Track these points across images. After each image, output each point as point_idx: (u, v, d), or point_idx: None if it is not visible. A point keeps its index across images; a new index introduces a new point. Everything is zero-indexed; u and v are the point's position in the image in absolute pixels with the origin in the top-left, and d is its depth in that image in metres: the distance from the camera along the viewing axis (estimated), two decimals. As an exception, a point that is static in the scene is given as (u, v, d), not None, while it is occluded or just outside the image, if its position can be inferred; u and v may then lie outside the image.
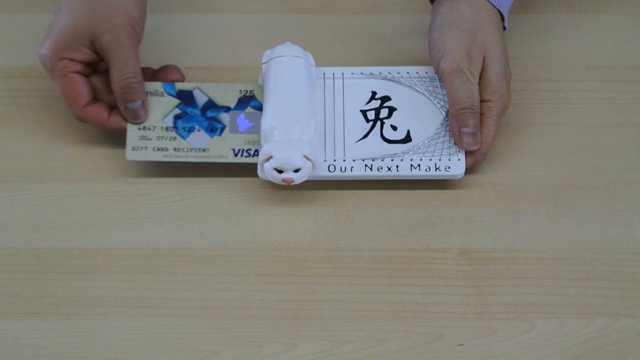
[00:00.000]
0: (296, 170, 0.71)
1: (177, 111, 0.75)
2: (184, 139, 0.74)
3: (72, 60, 0.73)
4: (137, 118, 0.74)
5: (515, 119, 0.79)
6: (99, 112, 0.75)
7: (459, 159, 0.74)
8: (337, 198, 0.75)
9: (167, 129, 0.75)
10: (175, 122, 0.75)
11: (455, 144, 0.74)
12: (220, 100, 0.75)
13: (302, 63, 0.74)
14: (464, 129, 0.73)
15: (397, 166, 0.74)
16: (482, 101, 0.74)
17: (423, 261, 0.71)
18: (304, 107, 0.73)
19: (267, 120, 0.72)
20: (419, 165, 0.74)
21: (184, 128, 0.75)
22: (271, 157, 0.71)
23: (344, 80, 0.76)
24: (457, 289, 0.70)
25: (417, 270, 0.71)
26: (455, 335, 0.68)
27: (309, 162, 0.71)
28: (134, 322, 0.68)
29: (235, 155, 0.74)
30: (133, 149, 0.74)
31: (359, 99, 0.76)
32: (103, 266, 0.71)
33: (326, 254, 0.72)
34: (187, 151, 0.74)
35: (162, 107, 0.75)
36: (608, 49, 0.84)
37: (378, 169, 0.74)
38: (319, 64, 0.77)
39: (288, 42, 0.76)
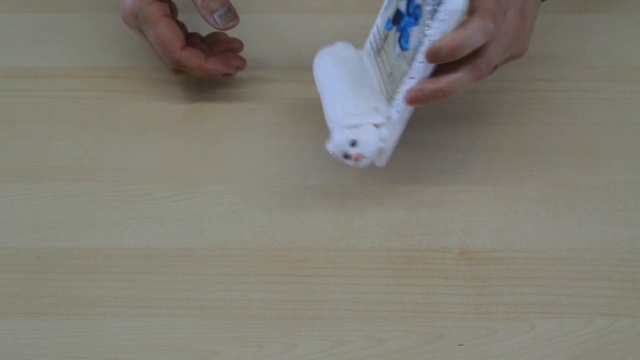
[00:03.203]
0: (354, 145, 0.70)
1: (398, 34, 0.72)
2: (408, 49, 0.70)
3: (160, 1, 0.75)
4: (228, 22, 0.75)
5: (516, 118, 0.79)
6: (197, 55, 0.76)
7: None
8: (337, 198, 0.75)
9: (398, 57, 0.71)
10: (400, 44, 0.71)
11: None
12: None
13: (332, 55, 0.75)
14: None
15: (421, 54, 0.68)
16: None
17: (423, 261, 0.71)
18: (342, 89, 0.72)
19: (327, 114, 0.72)
20: (433, 33, 0.68)
21: (405, 41, 0.71)
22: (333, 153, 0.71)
23: (379, 30, 0.75)
24: (457, 289, 0.70)
25: (417, 270, 0.71)
26: (455, 335, 0.68)
27: (361, 128, 0.70)
28: (134, 322, 0.68)
29: (431, 14, 0.68)
30: (393, 98, 0.71)
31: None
32: (103, 266, 0.71)
33: (326, 254, 0.72)
34: (412, 54, 0.70)
35: (391, 44, 0.73)
36: (608, 49, 0.84)
37: (417, 71, 0.69)
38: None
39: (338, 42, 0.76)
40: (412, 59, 0.70)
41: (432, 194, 0.75)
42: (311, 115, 0.79)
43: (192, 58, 0.76)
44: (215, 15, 0.75)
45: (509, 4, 0.69)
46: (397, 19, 0.73)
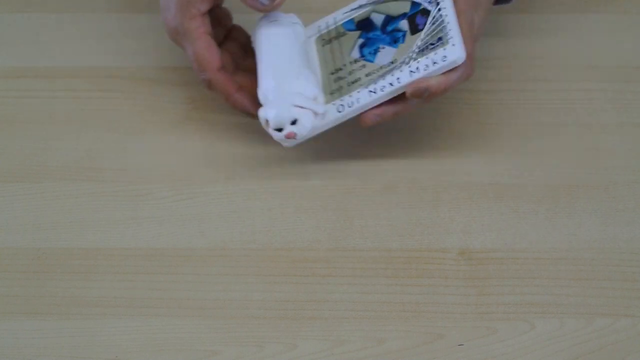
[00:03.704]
0: (293, 123, 0.71)
1: (361, 41, 0.75)
2: (373, 61, 0.74)
3: (202, 15, 0.73)
4: (272, 1, 0.74)
5: (516, 118, 0.79)
6: (229, 81, 0.75)
7: (453, 45, 0.71)
8: (337, 198, 0.75)
9: (355, 61, 0.74)
10: (361, 52, 0.75)
11: (447, 33, 0.72)
12: (395, 12, 0.75)
13: (283, 25, 0.75)
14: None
15: (397, 78, 0.72)
16: None
17: (423, 261, 0.71)
18: (289, 67, 0.73)
19: (261, 88, 0.73)
20: (417, 68, 0.72)
21: (369, 52, 0.74)
22: (267, 120, 0.71)
23: (337, 25, 0.77)
24: (457, 289, 0.70)
25: (417, 270, 0.71)
26: (455, 335, 0.68)
27: (305, 111, 0.71)
28: (134, 322, 0.68)
29: (421, 50, 0.72)
30: (331, 94, 0.74)
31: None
32: (103, 266, 0.71)
33: (326, 254, 0.72)
34: (377, 70, 0.73)
35: (346, 44, 0.75)
36: (608, 49, 0.84)
37: (382, 89, 0.73)
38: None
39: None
40: (380, 76, 0.73)
41: (432, 194, 0.75)
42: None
43: (225, 82, 0.75)
44: None
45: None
46: (365, 27, 0.76)
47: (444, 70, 0.71)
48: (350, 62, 0.75)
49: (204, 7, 0.74)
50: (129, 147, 0.78)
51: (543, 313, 0.69)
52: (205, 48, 0.74)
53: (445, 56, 0.71)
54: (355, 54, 0.75)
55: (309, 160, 0.77)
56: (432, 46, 0.72)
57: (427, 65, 0.72)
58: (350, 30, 0.76)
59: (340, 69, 0.75)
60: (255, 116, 0.74)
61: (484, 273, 0.71)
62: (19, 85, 0.82)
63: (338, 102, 0.74)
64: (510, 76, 0.82)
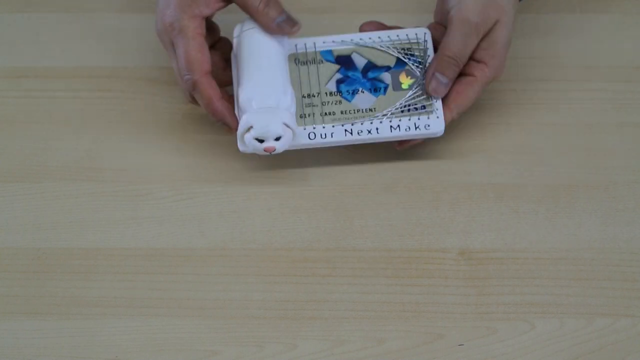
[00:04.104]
0: (277, 139, 0.71)
1: (339, 76, 0.75)
2: (350, 101, 0.74)
3: (202, 17, 0.73)
4: (291, 27, 0.74)
5: (516, 118, 0.79)
6: (214, 87, 0.73)
7: (437, 117, 0.74)
8: (337, 198, 0.75)
9: (331, 93, 0.75)
10: (338, 87, 0.75)
11: (432, 104, 0.74)
12: (379, 61, 0.75)
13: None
14: (439, 76, 0.73)
15: (376, 128, 0.74)
16: (477, 61, 0.74)
17: (423, 261, 0.71)
18: (278, 77, 0.73)
19: (244, 91, 0.72)
20: (398, 126, 0.74)
21: (347, 91, 0.75)
22: (251, 127, 0.71)
23: (317, 50, 0.76)
24: (457, 289, 0.70)
25: (417, 270, 0.71)
26: (455, 335, 0.68)
27: (289, 130, 0.71)
28: (134, 322, 0.68)
29: (403, 111, 0.74)
30: (301, 116, 0.74)
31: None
32: (103, 266, 0.71)
33: (326, 254, 0.72)
34: (355, 112, 0.74)
35: (323, 73, 0.75)
36: (608, 49, 0.84)
37: (358, 133, 0.74)
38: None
39: None
40: (358, 119, 0.74)
41: (432, 194, 0.75)
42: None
43: (209, 87, 0.73)
44: (276, 23, 0.73)
45: (508, 47, 0.76)
46: (344, 63, 0.76)
47: (422, 137, 0.74)
48: (326, 93, 0.75)
49: (207, 10, 0.73)
50: (129, 147, 0.78)
51: (543, 313, 0.69)
52: (198, 49, 0.72)
53: (428, 125, 0.74)
54: (332, 86, 0.75)
55: (309, 160, 0.77)
56: (416, 111, 0.74)
57: (408, 127, 0.74)
58: (328, 61, 0.76)
59: (314, 96, 0.75)
60: (228, 128, 0.73)
61: (484, 273, 0.71)
62: (19, 85, 0.82)
63: (310, 127, 0.74)
64: (510, 76, 0.82)
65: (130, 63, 0.84)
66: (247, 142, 0.72)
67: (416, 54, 0.75)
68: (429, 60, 0.75)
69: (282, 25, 0.73)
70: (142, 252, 0.72)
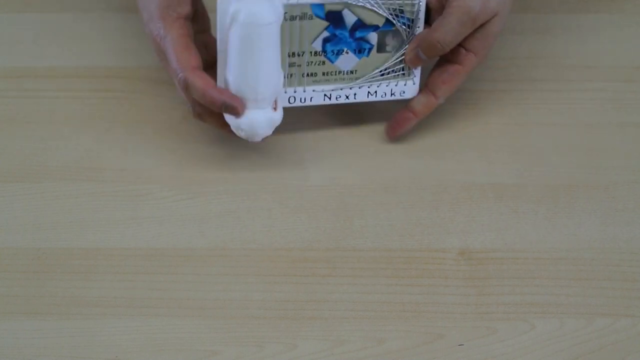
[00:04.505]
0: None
1: (326, 34, 0.74)
2: (333, 62, 0.75)
3: (184, 18, 0.72)
4: None
5: (516, 118, 0.79)
6: (206, 78, 0.71)
7: (414, 83, 0.76)
8: (337, 198, 0.75)
9: (316, 53, 0.74)
10: (324, 46, 0.75)
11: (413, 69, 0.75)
12: (368, 20, 0.74)
13: (274, 27, 0.71)
14: (421, 54, 0.74)
15: (354, 94, 0.76)
16: (467, 50, 0.74)
17: (423, 261, 0.71)
18: (274, 71, 0.71)
19: (234, 83, 0.71)
20: (375, 92, 0.76)
21: (332, 51, 0.75)
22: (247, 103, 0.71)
23: (309, 3, 0.75)
24: (457, 289, 0.70)
25: (417, 270, 0.71)
26: (455, 335, 0.68)
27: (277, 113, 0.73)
28: (134, 322, 0.68)
29: (383, 74, 0.75)
30: (284, 77, 0.74)
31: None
32: (103, 266, 0.71)
33: (326, 254, 0.72)
34: (336, 74, 0.75)
35: (311, 30, 0.74)
36: (608, 49, 0.84)
37: (336, 98, 0.76)
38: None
39: None
40: (337, 82, 0.75)
41: (432, 194, 0.75)
42: (311, 115, 0.79)
43: (199, 79, 0.70)
44: None
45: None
46: (334, 20, 0.74)
47: (395, 100, 0.76)
48: (311, 53, 0.74)
49: (184, 9, 0.72)
50: (129, 147, 0.78)
51: (543, 313, 0.69)
52: (183, 48, 0.71)
53: (403, 92, 0.76)
54: (318, 45, 0.74)
55: (309, 160, 0.77)
56: (395, 74, 0.75)
57: (385, 93, 0.76)
58: (318, 16, 0.74)
59: (299, 55, 0.74)
60: (232, 110, 0.71)
61: (484, 273, 0.71)
62: (19, 85, 0.82)
63: (291, 91, 0.75)
64: (510, 76, 0.82)
65: (130, 63, 0.84)
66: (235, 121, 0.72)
67: (407, 16, 0.74)
68: (418, 29, 0.74)
69: None
70: (142, 252, 0.72)
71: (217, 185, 0.75)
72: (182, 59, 0.71)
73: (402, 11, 0.74)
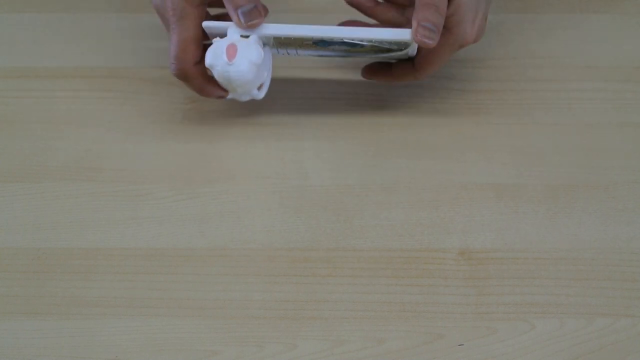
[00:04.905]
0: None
1: (316, 46, 0.75)
2: (325, 47, 0.75)
3: (205, 4, 0.72)
4: (252, 19, 0.71)
5: (516, 118, 0.79)
6: (203, 75, 0.74)
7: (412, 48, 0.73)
8: (337, 198, 0.75)
9: (306, 46, 0.75)
10: (315, 43, 0.75)
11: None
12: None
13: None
14: (425, 23, 0.70)
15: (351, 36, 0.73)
16: (445, 27, 0.72)
17: (423, 261, 0.71)
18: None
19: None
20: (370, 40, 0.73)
21: (323, 47, 0.75)
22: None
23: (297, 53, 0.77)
24: (457, 289, 0.70)
25: (417, 270, 0.71)
26: (455, 335, 0.68)
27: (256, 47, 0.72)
28: (134, 322, 0.68)
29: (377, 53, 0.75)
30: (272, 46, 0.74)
31: None
32: (103, 266, 0.71)
33: (326, 254, 0.72)
34: (330, 50, 0.75)
35: (302, 46, 0.75)
36: (608, 49, 0.84)
37: (332, 51, 0.75)
38: (319, 62, 0.77)
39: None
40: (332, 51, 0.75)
41: (432, 194, 0.75)
42: (311, 115, 0.79)
43: (198, 77, 0.74)
44: (240, 11, 0.71)
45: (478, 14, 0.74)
46: (322, 42, 0.75)
47: (394, 38, 0.72)
48: (300, 46, 0.75)
49: None
50: (129, 147, 0.78)
51: (543, 313, 0.69)
52: (194, 37, 0.72)
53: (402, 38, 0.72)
54: (307, 47, 0.75)
55: (309, 160, 0.77)
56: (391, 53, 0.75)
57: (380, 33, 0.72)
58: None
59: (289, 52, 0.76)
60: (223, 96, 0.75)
61: (484, 273, 0.71)
62: (19, 85, 0.82)
63: (282, 50, 0.75)
64: (510, 76, 0.82)
65: (130, 63, 0.84)
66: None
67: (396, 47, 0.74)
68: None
69: (245, 15, 0.71)
70: (142, 252, 0.72)
71: (217, 185, 0.75)
72: (188, 50, 0.73)
73: (389, 50, 0.74)
